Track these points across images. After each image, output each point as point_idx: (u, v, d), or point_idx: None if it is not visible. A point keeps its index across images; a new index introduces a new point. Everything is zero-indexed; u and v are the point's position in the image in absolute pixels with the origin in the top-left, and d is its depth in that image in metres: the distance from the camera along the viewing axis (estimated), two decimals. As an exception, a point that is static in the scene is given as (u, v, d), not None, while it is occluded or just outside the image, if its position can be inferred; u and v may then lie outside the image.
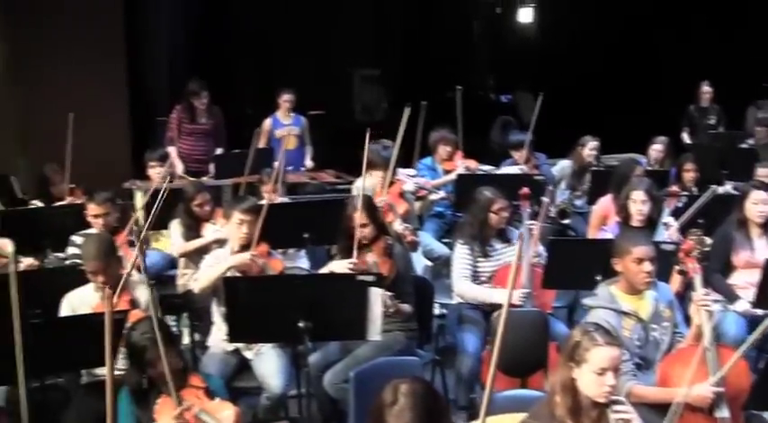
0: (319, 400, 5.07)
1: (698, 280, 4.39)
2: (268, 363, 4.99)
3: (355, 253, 5.13)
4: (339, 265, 5.16)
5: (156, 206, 5.08)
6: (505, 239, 5.81)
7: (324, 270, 5.29)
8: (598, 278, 4.95)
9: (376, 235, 5.28)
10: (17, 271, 3.81)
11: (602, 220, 6.75)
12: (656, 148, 8.59)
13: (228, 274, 5.03)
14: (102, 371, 4.68)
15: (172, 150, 8.59)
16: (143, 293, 4.82)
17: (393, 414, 2.67)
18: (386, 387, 2.76)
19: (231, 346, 5.09)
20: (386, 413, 2.68)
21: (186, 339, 6.15)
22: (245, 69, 12.03)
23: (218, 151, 8.76)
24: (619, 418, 3.37)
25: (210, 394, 4.01)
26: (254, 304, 4.43)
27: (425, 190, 7.60)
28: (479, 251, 5.71)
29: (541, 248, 5.81)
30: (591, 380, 3.37)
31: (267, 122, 9.01)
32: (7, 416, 3.73)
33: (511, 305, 5.27)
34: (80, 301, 4.78)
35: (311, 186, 8.62)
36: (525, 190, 5.98)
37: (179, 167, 8.52)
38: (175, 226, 6.27)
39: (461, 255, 5.71)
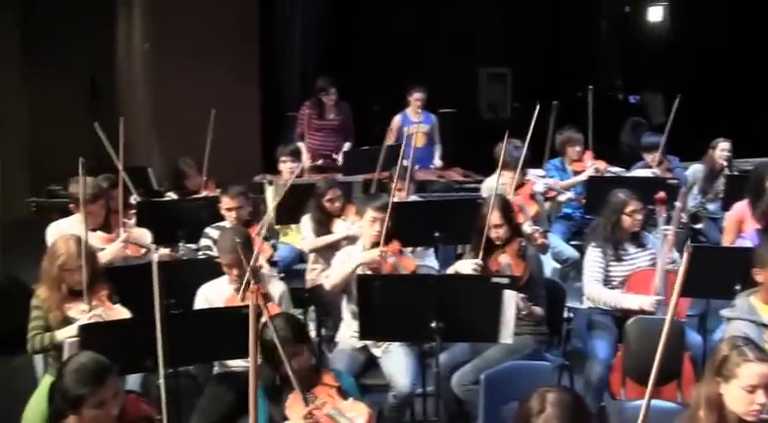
0: (446, 401, 5.03)
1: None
2: (396, 361, 4.99)
3: (481, 254, 5.06)
4: (464, 265, 5.12)
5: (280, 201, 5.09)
6: (639, 244, 5.66)
7: (449, 270, 5.24)
8: (737, 288, 4.78)
9: (510, 236, 5.21)
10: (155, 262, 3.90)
11: (737, 226, 6.49)
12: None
13: (359, 271, 5.04)
14: (234, 363, 4.78)
15: (301, 146, 8.71)
16: (277, 288, 4.87)
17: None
18: (532, 394, 2.69)
19: (360, 343, 5.10)
20: (532, 421, 2.62)
21: (313, 334, 6.19)
22: (374, 67, 12.08)
23: (347, 147, 8.84)
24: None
25: (343, 393, 4.00)
26: (387, 303, 4.44)
27: (555, 191, 7.47)
28: (612, 254, 5.57)
29: (676, 254, 5.63)
30: (739, 397, 3.23)
31: (396, 119, 9.01)
32: (147, 402, 3.80)
33: (643, 312, 5.23)
34: (215, 294, 4.86)
35: (439, 184, 8.58)
36: (662, 194, 5.80)
37: (307, 162, 8.64)
38: (306, 221, 6.32)
39: (593, 258, 5.59)
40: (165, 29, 9.66)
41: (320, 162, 8.66)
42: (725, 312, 4.46)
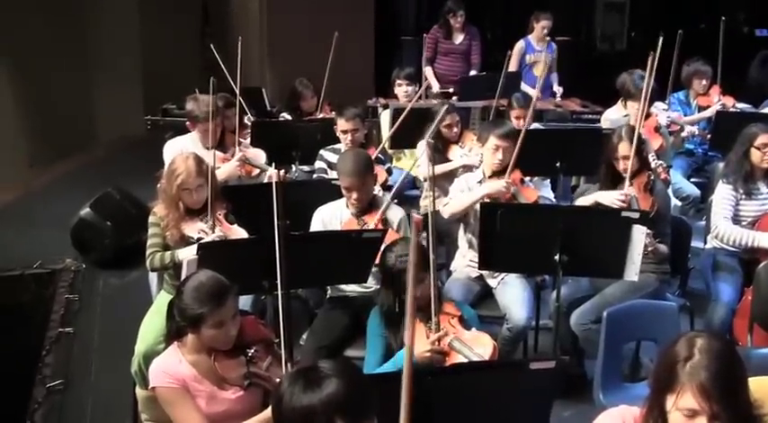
0: (561, 336, 4.90)
1: None
2: (513, 293, 4.86)
3: (626, 186, 4.86)
4: (607, 196, 4.89)
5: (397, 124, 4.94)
6: (773, 184, 5.39)
7: (588, 199, 5.00)
8: None
9: (638, 169, 4.98)
10: (271, 182, 3.82)
11: None
12: None
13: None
14: (349, 287, 4.73)
15: (428, 70, 8.58)
16: (396, 213, 4.77)
17: (687, 370, 2.45)
18: (679, 339, 2.53)
19: (475, 273, 4.99)
20: (678, 368, 2.46)
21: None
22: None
23: (473, 73, 8.65)
24: None
25: (465, 324, 3.90)
26: (509, 233, 4.30)
27: (678, 125, 7.17)
28: (742, 190, 5.32)
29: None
30: None
31: (520, 45, 8.78)
32: (265, 323, 3.76)
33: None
34: (331, 216, 4.79)
35: (554, 114, 8.35)
36: (797, 131, 5.50)
37: (435, 87, 8.52)
38: (422, 147, 6.19)
39: (724, 194, 5.33)
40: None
41: (451, 90, 8.47)
42: None
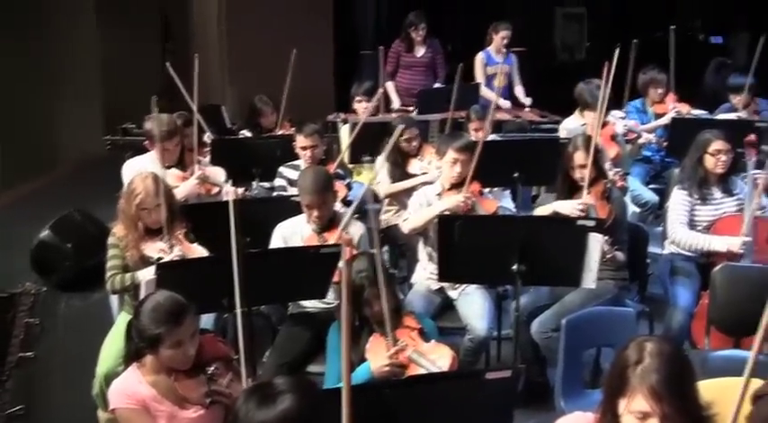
0: (522, 346, 4.94)
1: None
2: (473, 304, 4.90)
3: (584, 193, 4.92)
4: (565, 206, 4.96)
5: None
6: (726, 189, 5.46)
7: (547, 209, 5.08)
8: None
9: (595, 177, 5.05)
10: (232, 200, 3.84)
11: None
12: None
13: (440, 214, 4.94)
14: (310, 303, 4.74)
15: (389, 85, 8.61)
16: (356, 229, 4.79)
17: (637, 374, 2.49)
18: (629, 344, 2.57)
19: (436, 285, 5.03)
20: (629, 372, 2.50)
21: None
22: (448, 4, 11.85)
23: (438, 85, 8.69)
24: None
25: (425, 336, 3.93)
26: (467, 244, 4.33)
27: (635, 133, 7.26)
28: (697, 196, 5.39)
29: (766, 201, 5.43)
30: None
31: (480, 57, 8.83)
32: (224, 341, 3.77)
33: (731, 255, 5.06)
34: (292, 232, 4.80)
35: (514, 125, 8.41)
36: (752, 136, 5.61)
37: (396, 102, 8.55)
38: (382, 162, 6.23)
39: (679, 199, 5.42)
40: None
41: (411, 108, 8.49)
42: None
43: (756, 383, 3.17)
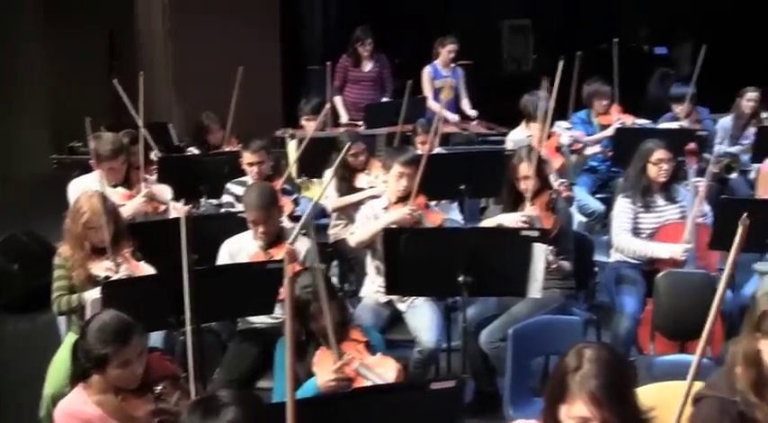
0: (471, 356, 4.98)
1: None
2: (422, 316, 4.94)
3: (527, 206, 4.98)
4: (510, 219, 5.02)
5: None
6: (669, 197, 5.56)
7: (491, 222, 5.13)
8: (768, 241, 4.69)
9: (540, 188, 5.12)
10: (177, 217, 3.84)
11: (770, 182, 6.40)
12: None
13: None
14: (258, 319, 4.74)
15: (337, 99, 8.65)
16: (303, 244, 4.81)
17: (576, 380, 2.54)
18: (569, 351, 2.62)
19: (384, 298, 5.05)
20: (568, 379, 2.55)
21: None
22: (393, 20, 11.92)
23: (386, 99, 8.73)
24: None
25: (371, 349, 3.95)
26: (413, 256, 4.37)
27: (581, 144, 7.36)
28: (641, 204, 5.49)
29: (707, 208, 5.54)
30: (779, 352, 3.14)
31: (427, 71, 8.88)
32: (171, 359, 3.76)
33: (673, 262, 5.15)
34: (239, 249, 4.80)
35: (461, 137, 8.48)
36: (692, 145, 5.72)
37: (344, 116, 8.57)
38: (329, 177, 6.25)
39: (623, 208, 5.51)
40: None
41: (360, 123, 8.50)
42: (758, 266, 4.37)
43: (697, 386, 3.25)
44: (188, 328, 3.60)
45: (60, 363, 4.40)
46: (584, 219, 6.81)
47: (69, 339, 4.51)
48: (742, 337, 3.27)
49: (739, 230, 2.71)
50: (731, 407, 3.09)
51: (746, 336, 3.22)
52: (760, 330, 3.17)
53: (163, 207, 5.63)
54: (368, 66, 8.88)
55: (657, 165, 5.51)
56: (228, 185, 6.01)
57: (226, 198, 6.01)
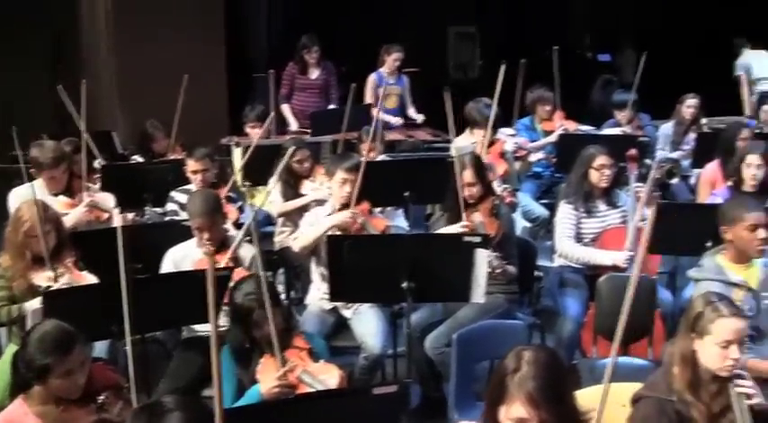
0: (417, 362, 5.01)
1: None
2: (367, 322, 4.95)
3: (470, 213, 5.02)
4: (450, 230, 5.05)
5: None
6: (610, 202, 5.65)
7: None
8: (708, 244, 4.77)
9: (483, 194, 5.17)
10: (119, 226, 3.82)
11: (710, 187, 6.51)
12: (766, 110, 8.28)
13: (329, 232, 4.98)
14: (202, 327, 4.72)
15: (285, 107, 8.64)
16: (247, 251, 4.80)
17: (515, 382, 2.58)
18: (508, 353, 2.66)
19: (329, 305, 5.06)
20: (507, 380, 2.59)
21: (282, 296, 6.14)
22: (340, 28, 11.93)
23: (333, 106, 8.75)
24: (740, 393, 3.19)
25: (314, 356, 3.96)
26: (357, 263, 4.37)
27: (525, 150, 7.43)
28: (583, 209, 5.56)
29: (648, 212, 5.62)
30: (714, 353, 3.21)
31: (372, 78, 8.91)
32: (114, 369, 3.74)
33: (616, 268, 5.23)
34: (183, 257, 4.79)
35: (407, 144, 8.51)
36: (633, 151, 5.81)
37: (293, 125, 8.57)
38: (274, 183, 6.25)
39: (565, 213, 5.58)
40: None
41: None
42: (692, 273, 4.46)
43: (619, 388, 3.32)
44: (128, 337, 3.58)
45: (0, 374, 4.34)
46: (528, 224, 6.87)
47: (10, 350, 4.45)
48: (678, 338, 3.35)
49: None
50: (668, 406, 3.17)
51: (682, 337, 3.30)
52: (695, 331, 3.26)
53: (106, 216, 5.59)
54: (314, 73, 8.87)
55: (599, 170, 5.59)
56: (172, 193, 5.98)
57: (170, 206, 5.98)
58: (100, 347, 4.69)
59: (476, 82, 12.23)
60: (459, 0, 13.03)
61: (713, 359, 3.21)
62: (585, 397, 3.32)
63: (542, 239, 6.67)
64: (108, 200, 5.72)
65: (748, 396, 3.19)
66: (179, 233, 4.96)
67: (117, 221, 4.06)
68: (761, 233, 4.27)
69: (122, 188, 5.99)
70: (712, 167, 6.64)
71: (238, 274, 4.40)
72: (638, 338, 4.98)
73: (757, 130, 7.67)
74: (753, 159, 5.70)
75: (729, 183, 5.92)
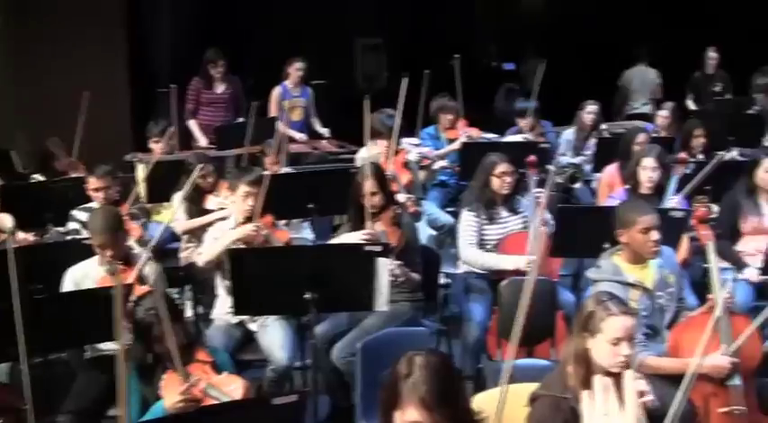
0: (325, 372, 5.02)
1: (710, 247, 4.32)
2: (273, 335, 4.95)
3: (369, 223, 5.06)
4: (353, 237, 5.08)
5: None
6: (511, 208, 5.76)
7: (335, 242, 5.21)
8: (606, 246, 4.88)
9: (384, 204, 5.21)
10: (17, 246, 3.76)
11: (609, 190, 6.69)
12: (663, 115, 8.53)
13: (233, 246, 4.97)
14: (106, 346, 4.66)
15: (192, 123, 8.58)
16: (152, 269, 4.76)
17: (407, 387, 2.62)
18: (401, 359, 2.70)
19: (236, 319, 5.05)
20: (400, 385, 2.63)
21: (189, 312, 6.09)
22: (245, 40, 11.89)
23: (241, 120, 8.71)
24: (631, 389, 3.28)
25: (217, 368, 3.95)
26: (259, 276, 4.37)
27: (429, 159, 7.52)
28: (485, 216, 5.65)
29: (548, 216, 5.74)
30: (605, 350, 3.30)
31: (277, 91, 8.89)
32: (12, 391, 3.68)
33: (518, 272, 5.32)
34: (83, 275, 4.72)
35: (313, 156, 8.52)
36: (532, 158, 5.93)
37: (202, 141, 8.50)
38: (178, 200, 6.21)
39: (467, 221, 5.67)
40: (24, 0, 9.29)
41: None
42: (590, 274, 4.56)
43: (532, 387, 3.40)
44: (23, 358, 3.52)
45: None
46: (434, 232, 6.95)
47: None
48: (572, 337, 3.44)
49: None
50: (564, 404, 3.25)
51: (576, 336, 3.39)
52: (587, 330, 3.35)
53: (3, 236, 5.48)
54: (220, 87, 8.81)
55: (501, 178, 5.69)
56: (74, 212, 5.90)
57: (72, 225, 5.90)
58: (1, 370, 4.61)
59: (383, 93, 12.30)
60: (366, 12, 13.08)
61: (605, 356, 3.31)
62: (488, 399, 3.41)
63: (448, 247, 6.74)
64: (6, 220, 5.61)
65: (640, 392, 3.29)
66: (80, 252, 4.88)
67: (9, 243, 3.98)
68: (653, 235, 4.37)
69: (22, 208, 5.89)
70: (611, 171, 6.83)
71: (139, 290, 4.36)
72: (541, 340, 5.09)
73: (654, 134, 7.90)
74: (648, 162, 5.87)
75: (627, 185, 6.08)
